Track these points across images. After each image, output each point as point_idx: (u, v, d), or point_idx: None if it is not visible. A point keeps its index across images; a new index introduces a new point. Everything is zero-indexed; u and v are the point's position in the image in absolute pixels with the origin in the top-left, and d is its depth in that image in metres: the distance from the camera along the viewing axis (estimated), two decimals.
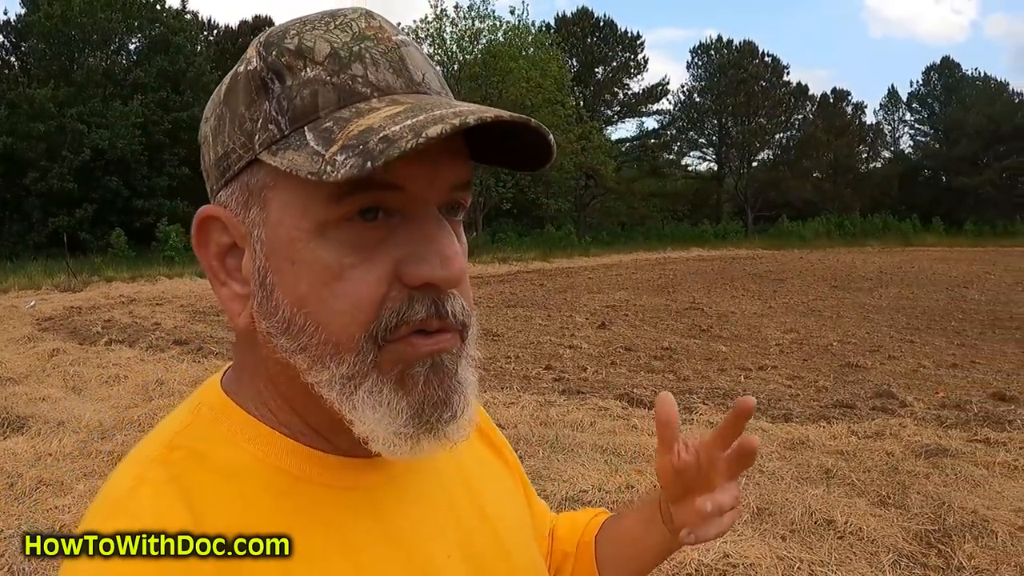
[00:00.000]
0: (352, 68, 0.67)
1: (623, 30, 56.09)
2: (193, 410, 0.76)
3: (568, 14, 56.51)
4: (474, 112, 0.62)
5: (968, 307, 16.20)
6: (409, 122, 0.62)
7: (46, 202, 34.89)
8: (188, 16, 43.56)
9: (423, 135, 0.59)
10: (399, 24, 0.73)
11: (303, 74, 0.67)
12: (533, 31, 40.57)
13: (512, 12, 41.07)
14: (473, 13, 39.21)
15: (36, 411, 6.71)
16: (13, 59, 40.71)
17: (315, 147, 0.63)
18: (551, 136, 0.69)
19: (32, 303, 17.12)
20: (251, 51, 0.71)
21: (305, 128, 0.65)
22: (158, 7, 40.63)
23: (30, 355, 9.79)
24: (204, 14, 61.04)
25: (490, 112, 0.63)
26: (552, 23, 54.75)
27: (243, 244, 0.71)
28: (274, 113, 0.67)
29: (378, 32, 0.70)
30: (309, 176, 0.62)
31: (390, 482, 0.77)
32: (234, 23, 51.14)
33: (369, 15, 0.71)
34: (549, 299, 18.30)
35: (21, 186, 34.88)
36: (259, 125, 0.67)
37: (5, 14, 63.22)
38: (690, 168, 61.76)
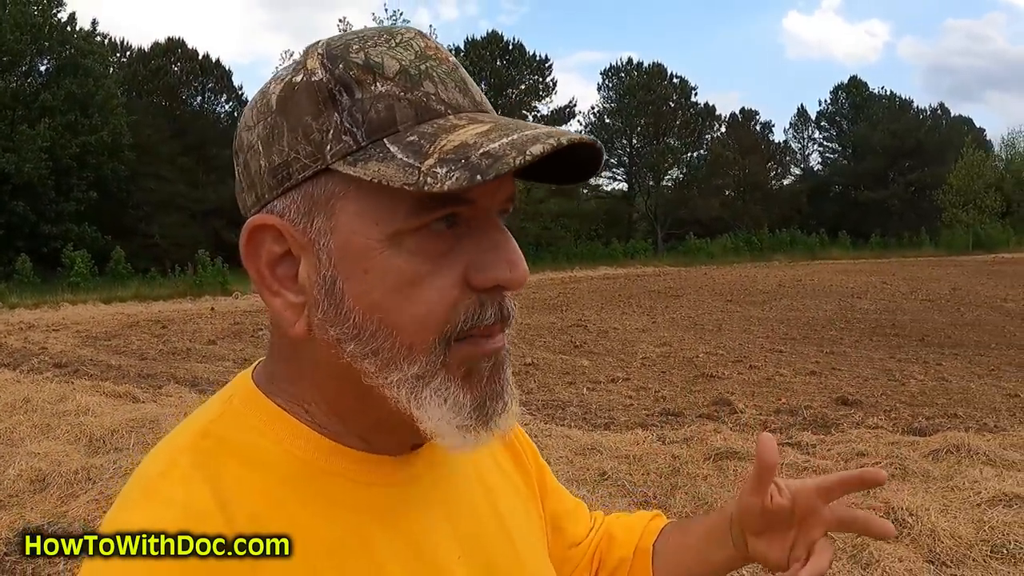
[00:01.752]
0: (424, 86, 0.69)
1: (532, 53, 56.58)
2: (225, 402, 0.78)
3: (478, 37, 56.86)
4: (561, 134, 0.67)
5: (854, 316, 16.76)
6: (506, 140, 0.65)
7: None
8: (99, 38, 42.88)
9: (527, 153, 0.63)
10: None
11: (373, 88, 0.69)
12: None
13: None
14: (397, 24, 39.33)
15: None
16: None
17: (405, 159, 0.65)
18: (604, 157, 0.73)
19: None
20: (312, 62, 0.71)
21: (385, 140, 0.67)
22: (68, 28, 39.81)
23: None
24: (116, 36, 60.10)
25: (575, 135, 0.67)
26: (462, 46, 55.23)
27: (299, 253, 0.72)
28: (347, 124, 0.68)
29: (437, 52, 0.73)
30: (405, 187, 0.64)
31: (412, 481, 0.80)
32: (147, 45, 50.51)
33: (422, 35, 0.74)
34: None
35: None
36: (330, 136, 0.68)
37: None
38: (602, 188, 62.43)
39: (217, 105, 50.28)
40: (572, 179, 0.76)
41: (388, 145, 0.67)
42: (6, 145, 34.73)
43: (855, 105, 65.43)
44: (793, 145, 67.81)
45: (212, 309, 22.20)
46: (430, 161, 0.64)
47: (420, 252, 0.68)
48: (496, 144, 0.64)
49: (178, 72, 48.58)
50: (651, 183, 60.09)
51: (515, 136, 0.65)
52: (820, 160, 68.45)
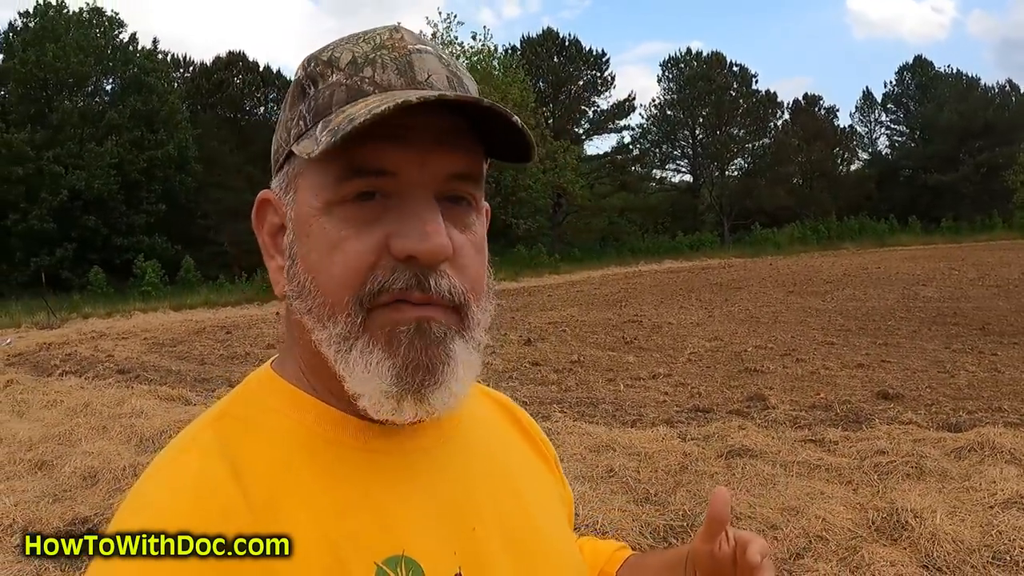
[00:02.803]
0: (364, 71, 0.78)
1: (588, 48, 56.40)
2: (243, 385, 0.87)
3: (534, 35, 56.84)
4: (423, 95, 0.72)
5: (915, 305, 16.21)
6: (373, 104, 0.72)
7: (27, 242, 35.65)
8: (160, 56, 44.41)
9: (371, 112, 0.69)
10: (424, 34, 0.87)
11: (329, 79, 0.78)
12: (497, 55, 40.89)
13: (474, 37, 40.97)
14: (437, 40, 39.72)
15: None
16: None
17: (317, 134, 0.74)
18: (517, 119, 0.76)
19: (8, 341, 17.85)
20: (299, 64, 0.83)
21: (320, 122, 0.76)
22: (131, 48, 41.41)
23: None
24: (179, 51, 61.50)
25: (432, 92, 0.73)
26: (518, 45, 55.12)
27: (286, 223, 0.82)
28: (304, 112, 0.79)
29: (396, 42, 0.80)
30: (305, 155, 0.75)
31: (421, 451, 0.83)
32: (209, 59, 51.77)
33: (395, 30, 0.82)
34: (497, 318, 17.81)
35: (2, 228, 35.69)
36: (294, 123, 0.80)
37: None
38: (666, 181, 61.83)
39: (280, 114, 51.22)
40: (519, 156, 0.82)
41: (319, 124, 0.76)
42: (76, 163, 36.37)
43: (921, 85, 63.52)
44: (860, 129, 66.23)
45: (277, 314, 22.45)
46: (323, 132, 0.73)
47: (345, 219, 0.75)
48: (364, 109, 0.71)
49: (240, 84, 49.59)
50: (716, 174, 59.47)
51: (389, 103, 0.70)
52: (888, 144, 66.83)
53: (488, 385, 1.05)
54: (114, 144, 37.27)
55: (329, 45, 0.82)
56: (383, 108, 0.69)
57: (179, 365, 12.93)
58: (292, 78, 0.85)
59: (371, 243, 0.75)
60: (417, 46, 0.80)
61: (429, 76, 0.78)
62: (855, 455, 5.68)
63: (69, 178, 35.78)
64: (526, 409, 1.08)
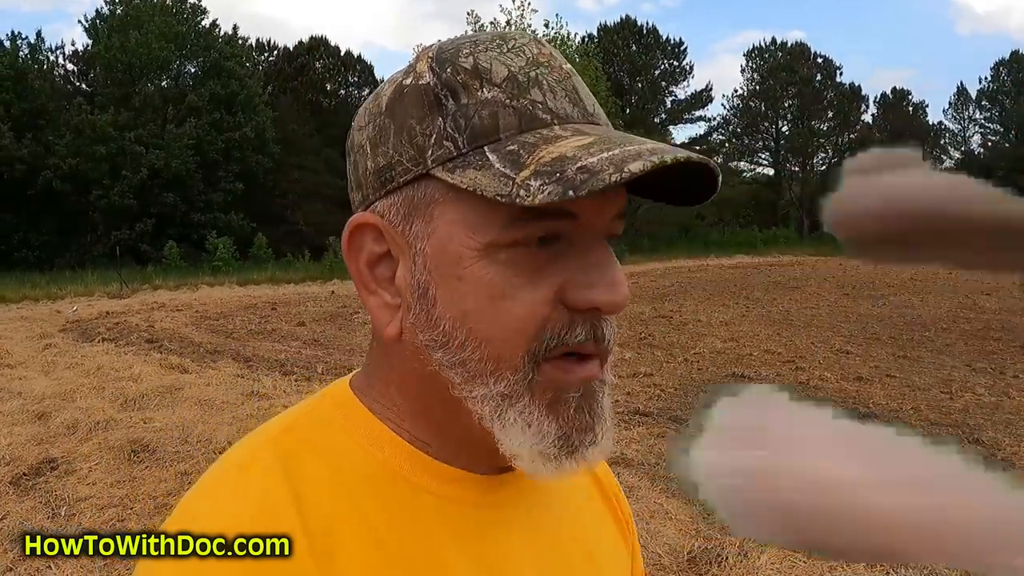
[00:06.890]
0: (531, 93, 0.67)
1: (666, 37, 55.88)
2: (316, 402, 0.78)
3: (610, 23, 56.38)
4: (666, 151, 0.63)
5: (965, 316, 15.49)
6: (606, 155, 0.62)
7: (109, 217, 37.58)
8: (241, 42, 45.92)
9: (625, 170, 0.60)
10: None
11: (480, 94, 0.67)
12: (573, 43, 40.52)
13: (547, 26, 40.41)
14: (511, 28, 39.64)
15: (7, 385, 8.96)
16: (83, 85, 43.76)
17: (501, 168, 0.64)
18: (720, 179, 0.69)
19: (75, 309, 18.94)
20: (421, 65, 0.70)
21: (485, 148, 0.66)
22: (212, 34, 43.14)
23: (32, 348, 12.08)
24: (263, 36, 63.12)
25: (682, 153, 0.63)
26: (595, 33, 54.81)
27: (398, 255, 0.71)
28: (450, 130, 0.67)
29: (550, 60, 0.70)
30: (498, 198, 0.62)
31: (498, 504, 0.77)
32: (291, 43, 53.23)
33: (538, 41, 0.72)
34: None
35: (87, 203, 37.59)
36: (432, 140, 0.67)
37: (73, 44, 68.05)
38: (746, 174, 60.39)
39: (360, 98, 52.04)
40: (686, 200, 0.73)
41: (488, 153, 0.65)
42: (157, 143, 38.19)
43: (1017, 82, 60.47)
44: (952, 127, 63.72)
45: (332, 292, 23.10)
46: (525, 173, 0.63)
47: (514, 265, 0.66)
48: (595, 158, 0.62)
49: (320, 68, 50.87)
50: (796, 168, 58.16)
51: (616, 151, 0.63)
52: (980, 143, 63.79)
53: None
54: (193, 126, 38.97)
55: (460, 47, 0.70)
56: (640, 167, 0.61)
57: (205, 337, 13.48)
58: (404, 80, 0.72)
59: (547, 293, 0.67)
60: (567, 66, 0.72)
61: (594, 107, 0.72)
62: None
63: (149, 157, 37.56)
64: None
